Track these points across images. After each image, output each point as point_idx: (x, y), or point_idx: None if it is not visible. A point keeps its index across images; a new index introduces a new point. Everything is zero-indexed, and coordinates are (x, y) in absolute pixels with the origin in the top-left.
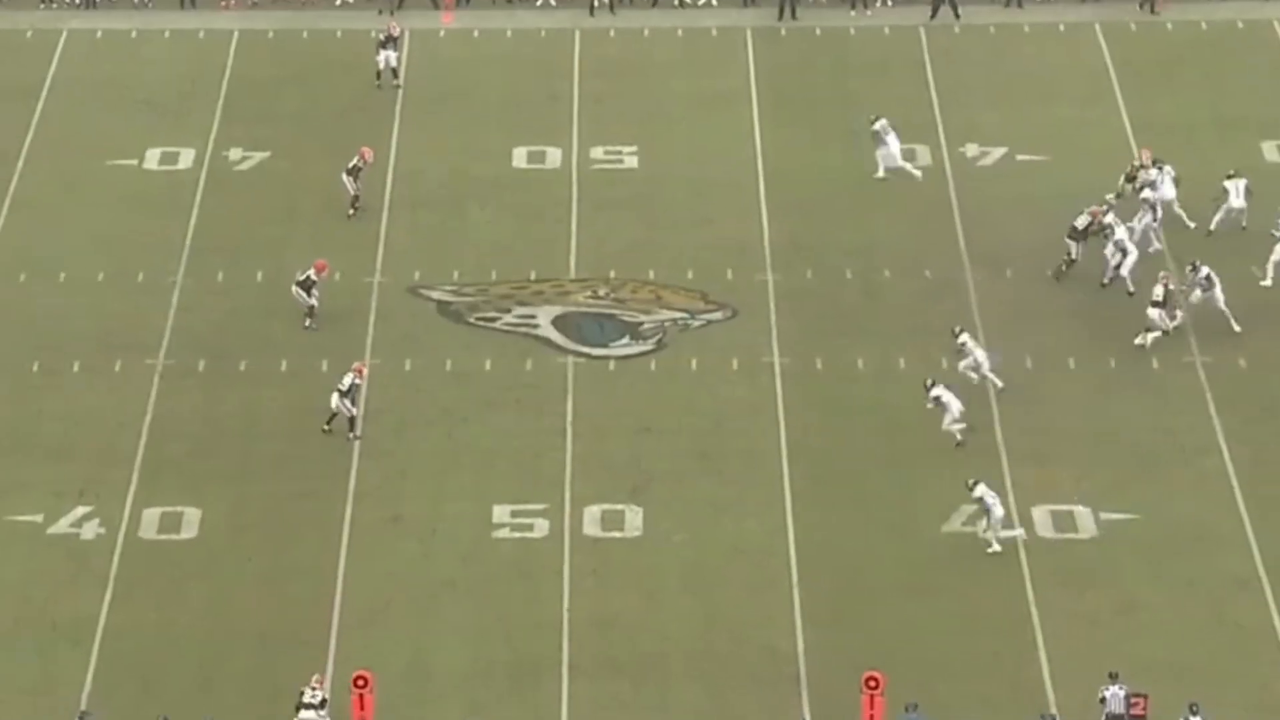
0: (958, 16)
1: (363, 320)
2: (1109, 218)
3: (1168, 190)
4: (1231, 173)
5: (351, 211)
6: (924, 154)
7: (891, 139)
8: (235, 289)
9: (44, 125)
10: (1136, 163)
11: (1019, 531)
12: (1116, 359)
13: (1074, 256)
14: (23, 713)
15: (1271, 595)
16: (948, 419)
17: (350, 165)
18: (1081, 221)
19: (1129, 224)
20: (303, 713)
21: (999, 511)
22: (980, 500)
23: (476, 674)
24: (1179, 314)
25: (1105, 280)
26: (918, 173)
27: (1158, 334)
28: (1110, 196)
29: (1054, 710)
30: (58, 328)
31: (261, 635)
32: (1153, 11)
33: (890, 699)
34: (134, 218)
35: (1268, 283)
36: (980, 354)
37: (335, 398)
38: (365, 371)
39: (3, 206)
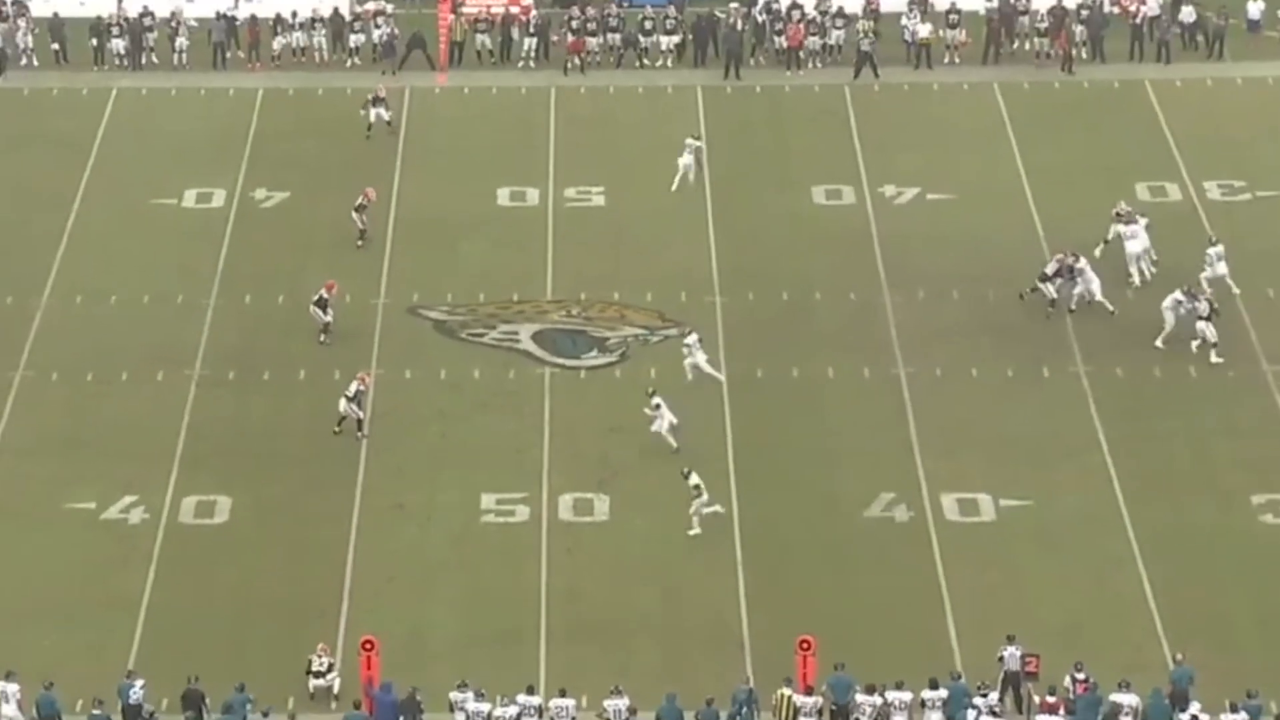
0: (877, 76)
1: (369, 336)
2: (1080, 262)
3: (1143, 240)
4: (1120, 212)
5: (359, 243)
6: (849, 193)
7: (688, 157)
8: (260, 310)
9: (97, 170)
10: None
11: (717, 507)
12: (1013, 369)
13: (1052, 295)
14: (78, 673)
15: (1144, 570)
16: (662, 424)
17: (357, 203)
18: (1050, 267)
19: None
20: (313, 680)
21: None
22: (697, 486)
23: (467, 639)
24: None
25: (1072, 307)
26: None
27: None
28: (1096, 252)
29: (959, 668)
30: (108, 343)
31: (282, 606)
32: (1070, 72)
33: (820, 659)
34: (173, 249)
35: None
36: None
37: (343, 403)
38: (369, 380)
39: (62, 239)
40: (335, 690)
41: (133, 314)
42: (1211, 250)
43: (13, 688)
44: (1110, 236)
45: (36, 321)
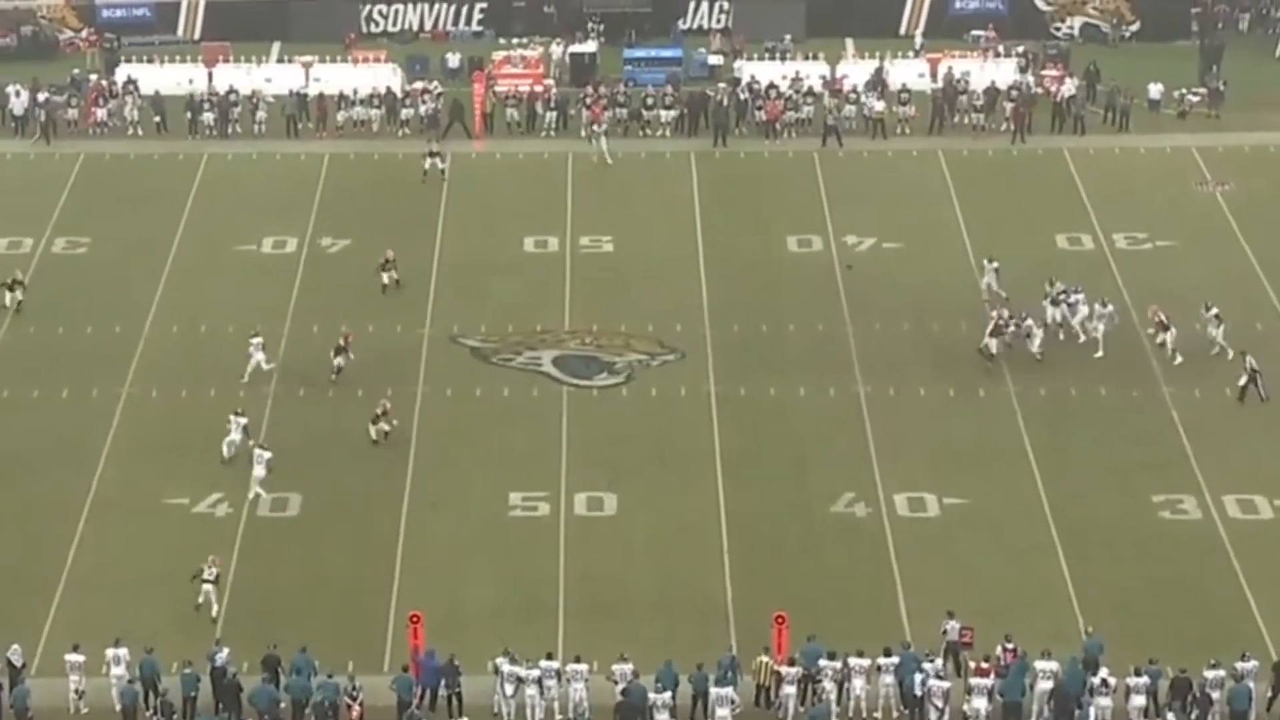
0: (840, 145)
1: (416, 361)
2: (1076, 296)
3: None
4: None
5: (384, 292)
6: (818, 241)
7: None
8: (326, 340)
9: (190, 222)
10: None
11: (259, 490)
12: (954, 389)
13: (992, 352)
14: (173, 643)
15: (1063, 557)
16: None
17: (381, 262)
18: (989, 327)
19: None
20: (204, 585)
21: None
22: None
23: (497, 614)
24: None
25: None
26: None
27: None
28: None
29: (909, 638)
30: (199, 365)
31: (343, 585)
32: (1022, 141)
33: (794, 631)
34: (254, 286)
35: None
36: None
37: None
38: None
39: (161, 278)
40: (214, 607)
41: (219, 341)
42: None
43: (122, 651)
44: (1055, 320)
45: (140, 347)
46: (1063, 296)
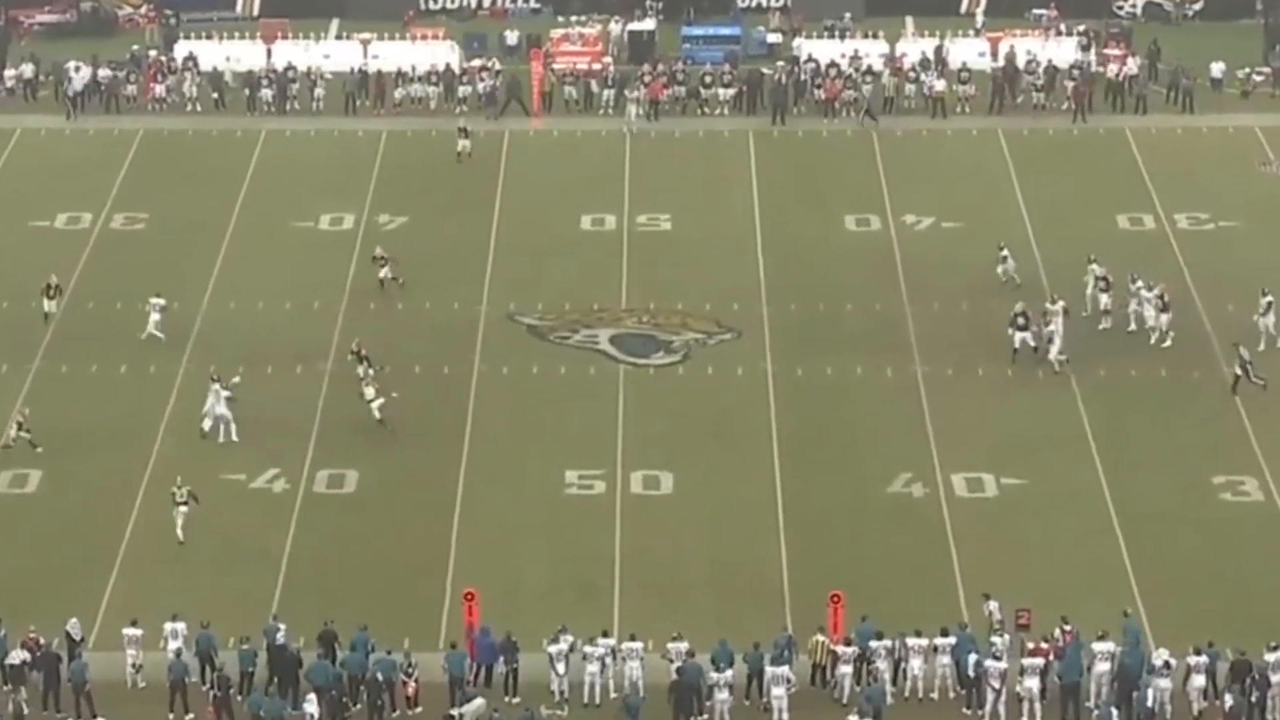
0: (875, 120)
1: (473, 338)
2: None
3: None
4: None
5: (383, 288)
6: (876, 221)
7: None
8: (383, 315)
9: (248, 198)
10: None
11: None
12: (1013, 369)
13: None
14: (231, 617)
15: (1122, 538)
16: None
17: (376, 254)
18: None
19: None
20: (179, 507)
21: None
22: None
23: (553, 591)
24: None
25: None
26: None
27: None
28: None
29: (965, 619)
30: (256, 341)
31: (399, 562)
32: (1083, 120)
33: (849, 611)
34: (311, 264)
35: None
36: None
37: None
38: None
39: (219, 255)
40: (181, 533)
41: (276, 318)
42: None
43: (179, 626)
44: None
45: (197, 323)
46: (1138, 288)
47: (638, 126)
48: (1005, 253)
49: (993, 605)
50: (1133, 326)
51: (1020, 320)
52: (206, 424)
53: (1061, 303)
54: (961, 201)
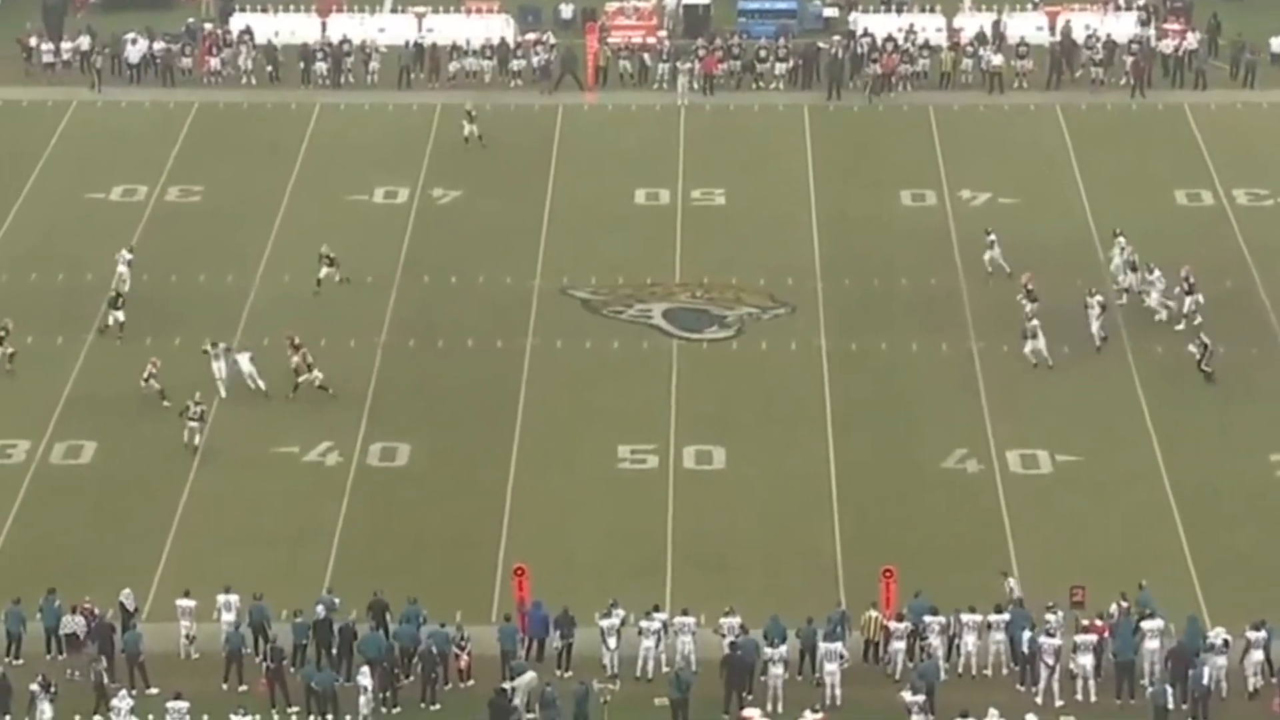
0: (879, 97)
1: (526, 312)
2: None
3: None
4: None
5: (317, 290)
6: (931, 196)
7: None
8: (436, 288)
9: (303, 171)
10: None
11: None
12: (1069, 346)
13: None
14: (283, 592)
15: (1178, 515)
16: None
17: (322, 253)
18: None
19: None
20: (189, 421)
21: None
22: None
23: (606, 566)
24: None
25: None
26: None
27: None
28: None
29: (1019, 595)
30: (311, 315)
31: (451, 536)
32: (1142, 95)
33: (901, 586)
34: (365, 237)
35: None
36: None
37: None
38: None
39: (274, 226)
40: (198, 442)
41: (331, 291)
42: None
43: (233, 598)
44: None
45: (251, 296)
46: (1154, 278)
47: (690, 100)
48: (993, 237)
49: (1012, 582)
50: (1161, 316)
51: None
52: (223, 390)
53: (1099, 296)
54: (1018, 177)
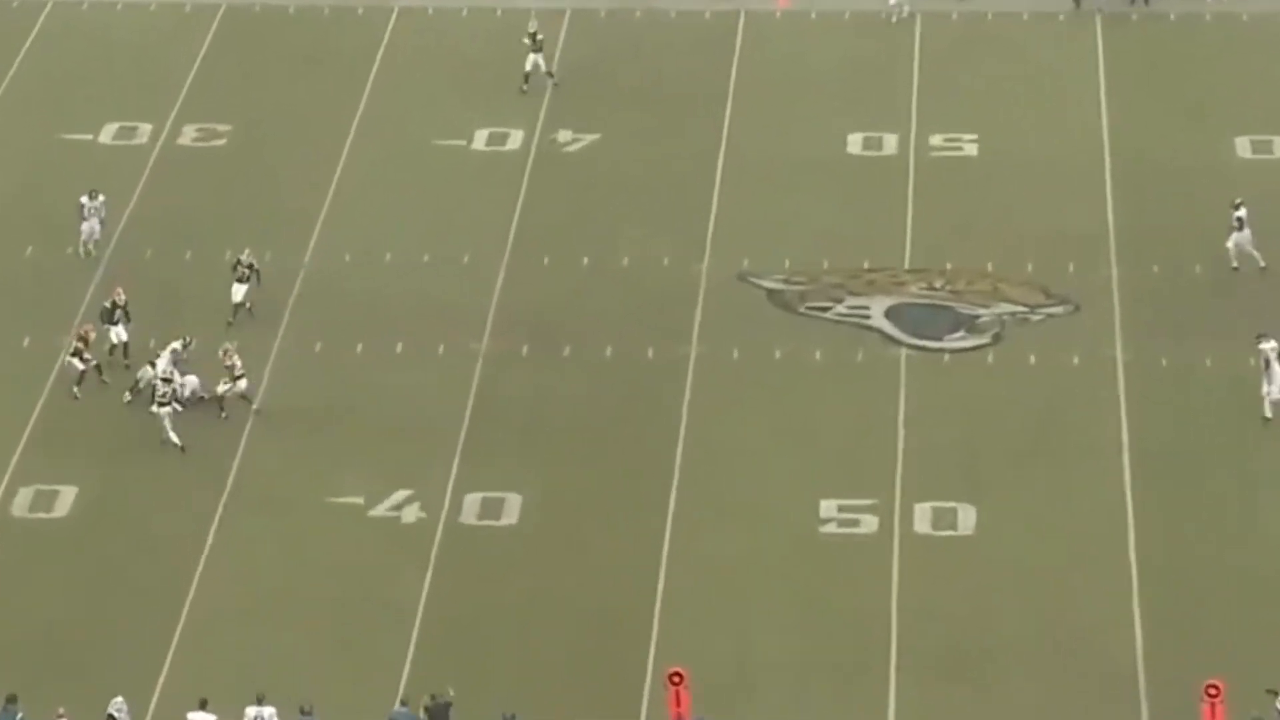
0: None
1: (689, 308)
2: None
3: None
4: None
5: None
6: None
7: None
8: (560, 273)
9: (373, 102)
10: None
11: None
12: None
13: None
14: (340, 702)
15: None
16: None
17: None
18: None
19: None
20: (159, 407)
21: None
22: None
23: (799, 669)
24: None
25: None
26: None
27: None
28: None
29: None
30: (382, 308)
31: (580, 621)
32: None
33: (1232, 708)
34: (461, 198)
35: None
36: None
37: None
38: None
39: (330, 183)
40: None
41: (410, 275)
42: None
43: (268, 711)
44: None
45: (298, 282)
46: None
47: (923, 6)
48: (1242, 212)
49: None
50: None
51: None
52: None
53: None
54: None
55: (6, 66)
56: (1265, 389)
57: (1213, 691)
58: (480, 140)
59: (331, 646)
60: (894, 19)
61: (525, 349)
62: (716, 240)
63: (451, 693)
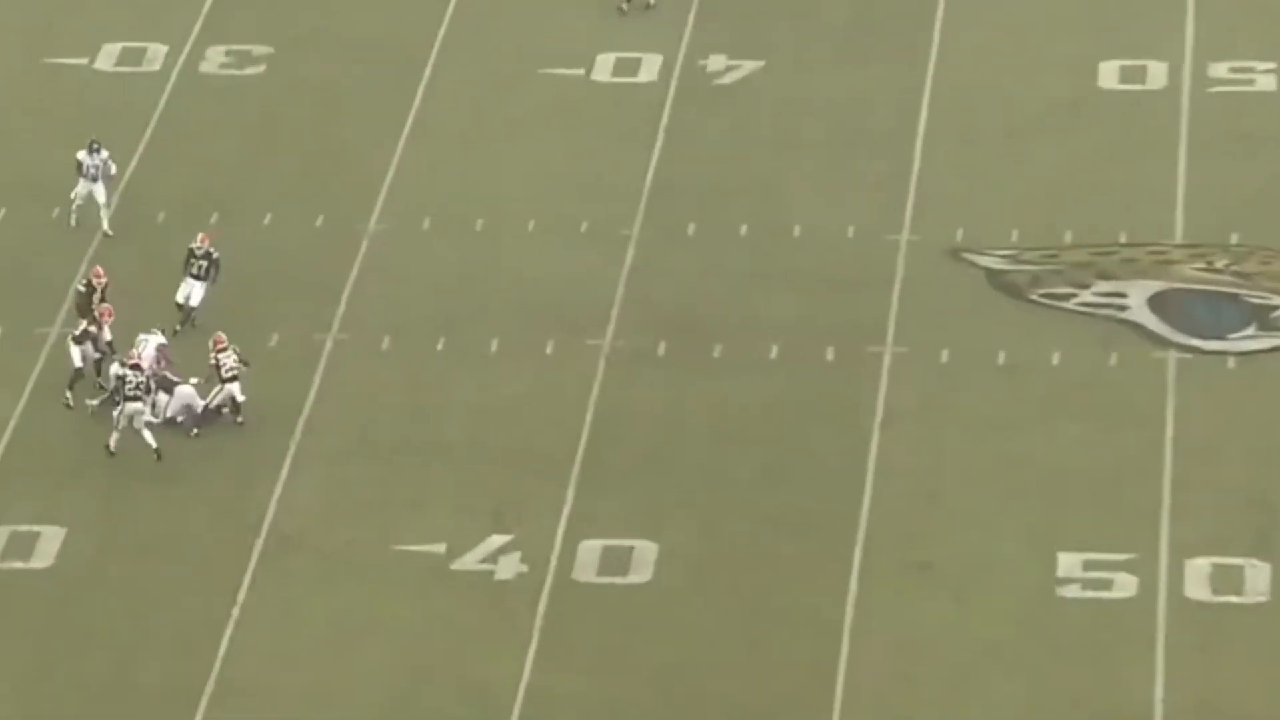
0: None
1: (885, 291)
2: None
3: None
4: None
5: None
6: None
7: None
8: (709, 244)
9: (458, 20)
10: None
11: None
12: None
13: None
14: None
15: None
16: None
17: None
18: None
19: None
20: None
21: None
22: None
23: None
24: None
25: None
26: None
27: None
28: None
29: None
30: (471, 293)
31: (735, 709)
32: None
33: None
34: (577, 146)
35: None
36: None
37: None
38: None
39: (404, 126)
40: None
41: (510, 248)
42: None
43: None
44: None
45: (360, 256)
46: None
47: None
48: None
49: None
50: None
51: None
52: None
53: None
54: None
55: None
56: None
57: None
58: (603, 69)
59: None
60: None
61: (662, 348)
62: (920, 204)
63: None
